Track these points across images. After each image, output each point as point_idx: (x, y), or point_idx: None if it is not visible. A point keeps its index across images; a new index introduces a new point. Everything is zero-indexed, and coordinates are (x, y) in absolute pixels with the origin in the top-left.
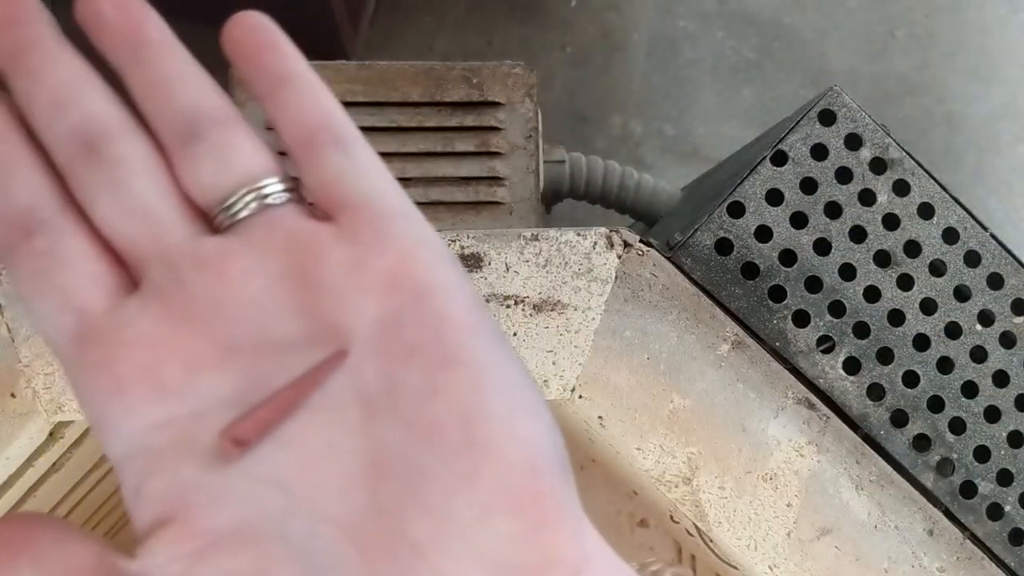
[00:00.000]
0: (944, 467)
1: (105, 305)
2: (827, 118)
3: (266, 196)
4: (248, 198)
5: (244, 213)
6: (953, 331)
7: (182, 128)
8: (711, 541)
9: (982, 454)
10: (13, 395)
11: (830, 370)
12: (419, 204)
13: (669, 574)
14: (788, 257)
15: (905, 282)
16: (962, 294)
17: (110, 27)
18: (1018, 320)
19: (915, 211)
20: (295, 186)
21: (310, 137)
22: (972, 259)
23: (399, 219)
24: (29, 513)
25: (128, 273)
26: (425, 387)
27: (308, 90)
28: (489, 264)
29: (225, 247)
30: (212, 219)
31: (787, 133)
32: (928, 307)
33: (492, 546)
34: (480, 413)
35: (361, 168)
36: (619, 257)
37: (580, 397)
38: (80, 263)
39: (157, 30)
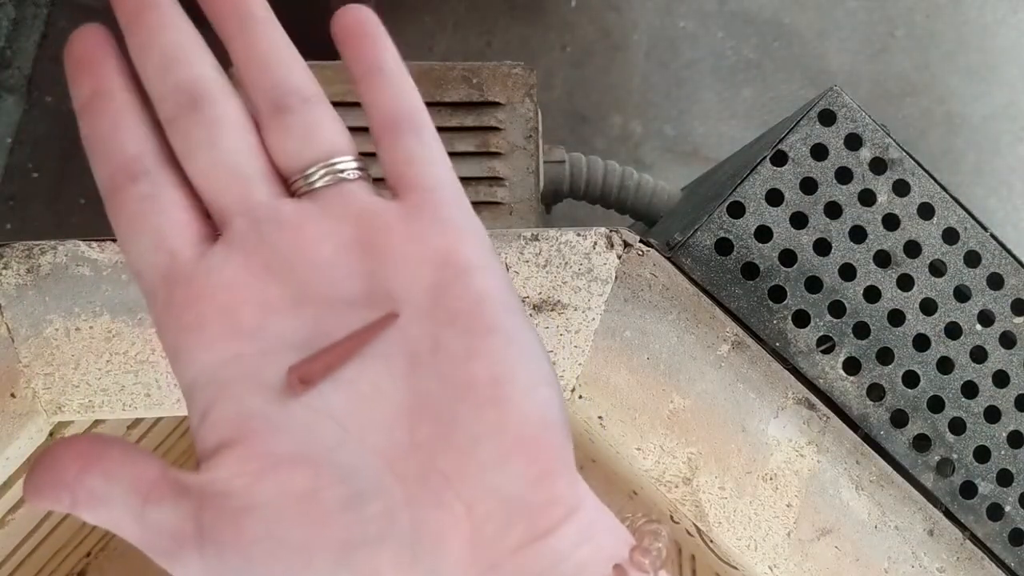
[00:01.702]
0: (944, 467)
1: (193, 251)
2: (827, 118)
3: (341, 171)
4: (324, 171)
5: (320, 183)
6: (953, 331)
7: (276, 100)
8: (711, 541)
9: (982, 454)
10: (13, 395)
11: (830, 370)
12: None
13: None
14: (788, 257)
15: (905, 282)
16: (962, 294)
17: (223, 1)
18: (1018, 320)
19: (915, 211)
20: (365, 165)
21: (394, 123)
22: (972, 259)
23: (456, 207)
24: (99, 434)
25: (211, 225)
26: (464, 349)
27: (399, 83)
28: None
29: (304, 211)
30: (290, 184)
31: (787, 133)
32: (928, 307)
33: (508, 484)
34: (508, 376)
35: (433, 157)
36: (619, 257)
37: (580, 397)
38: (175, 211)
39: (262, 7)
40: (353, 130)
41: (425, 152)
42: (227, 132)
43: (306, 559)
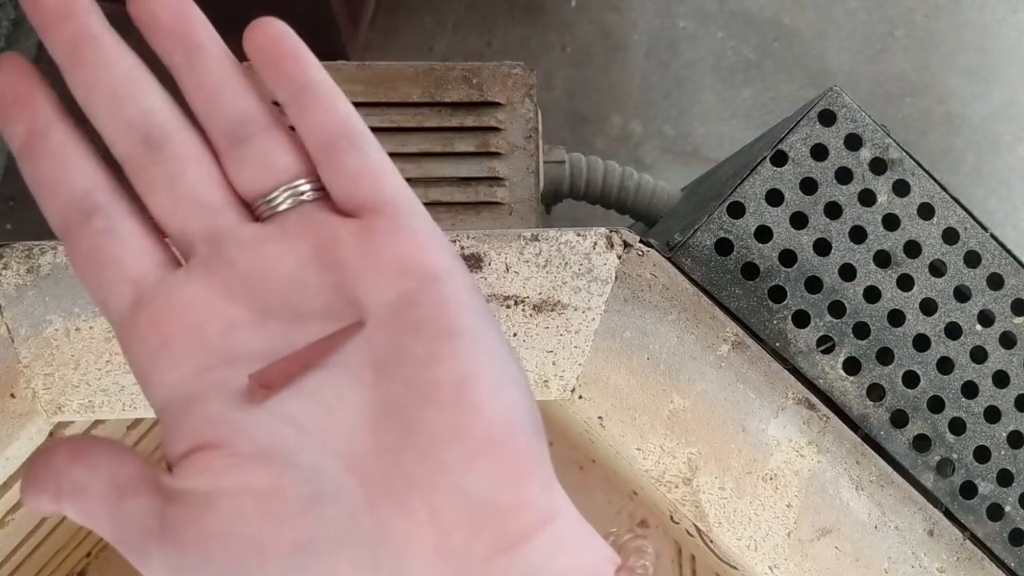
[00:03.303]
0: (944, 467)
1: (156, 276)
2: (827, 118)
3: (301, 194)
4: (286, 195)
5: (283, 207)
6: (953, 331)
7: (231, 132)
8: (711, 541)
9: (982, 454)
10: (13, 395)
11: (830, 370)
12: None
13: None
14: (788, 257)
15: (905, 282)
16: (962, 294)
17: (164, 29)
18: (1018, 320)
19: (915, 211)
20: (323, 184)
21: (331, 143)
22: (972, 259)
23: (409, 217)
24: (90, 435)
25: (171, 253)
26: (428, 354)
27: (328, 99)
28: (489, 264)
29: (265, 232)
30: (253, 209)
31: (787, 133)
32: (928, 307)
33: (474, 487)
34: (472, 378)
35: (376, 169)
36: (619, 257)
37: (580, 397)
38: (133, 240)
39: (206, 33)
40: None
41: (368, 166)
42: (187, 168)
43: (262, 557)
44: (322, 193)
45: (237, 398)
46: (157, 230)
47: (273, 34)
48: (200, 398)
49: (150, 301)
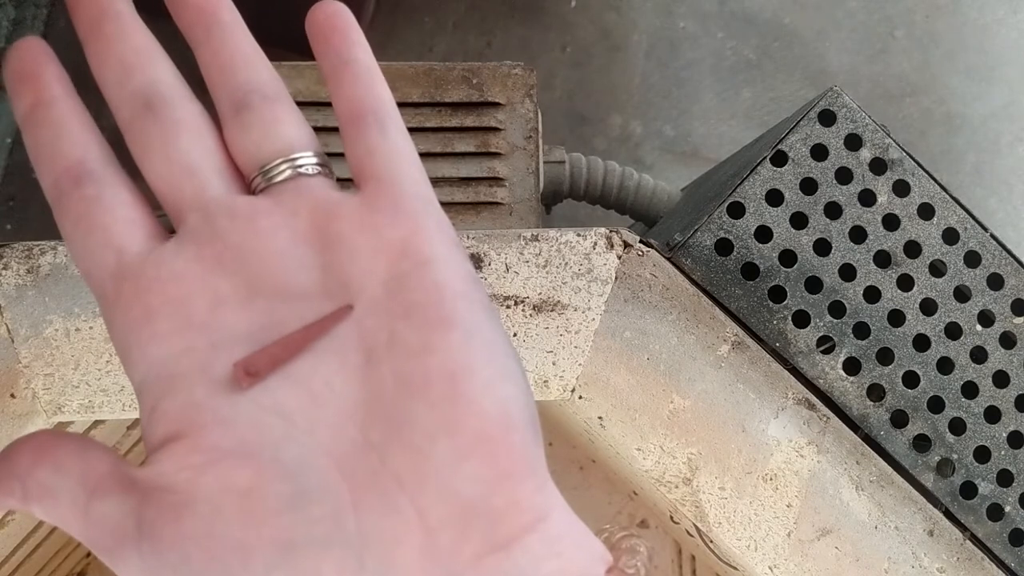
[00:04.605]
0: (944, 467)
1: (142, 247)
2: (827, 118)
3: (300, 166)
4: (284, 166)
5: (279, 178)
6: (953, 331)
7: (238, 99)
8: (711, 542)
9: (982, 454)
10: (13, 395)
11: (830, 370)
12: None
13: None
14: (788, 257)
15: (905, 282)
16: (962, 294)
17: (191, 7)
18: (1018, 320)
19: (915, 211)
20: (326, 162)
21: (358, 116)
22: (972, 259)
23: (416, 199)
24: (54, 429)
25: (161, 226)
26: (420, 343)
27: (366, 77)
28: (489, 264)
29: (258, 204)
30: (249, 182)
31: (787, 133)
32: (928, 307)
33: (464, 487)
34: (465, 371)
35: (394, 149)
36: (619, 257)
37: (580, 398)
38: (121, 209)
39: (229, 13)
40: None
41: (387, 145)
42: (182, 132)
43: (244, 558)
44: (323, 169)
45: (220, 384)
46: (149, 205)
47: (331, 12)
48: (181, 380)
49: (135, 271)
